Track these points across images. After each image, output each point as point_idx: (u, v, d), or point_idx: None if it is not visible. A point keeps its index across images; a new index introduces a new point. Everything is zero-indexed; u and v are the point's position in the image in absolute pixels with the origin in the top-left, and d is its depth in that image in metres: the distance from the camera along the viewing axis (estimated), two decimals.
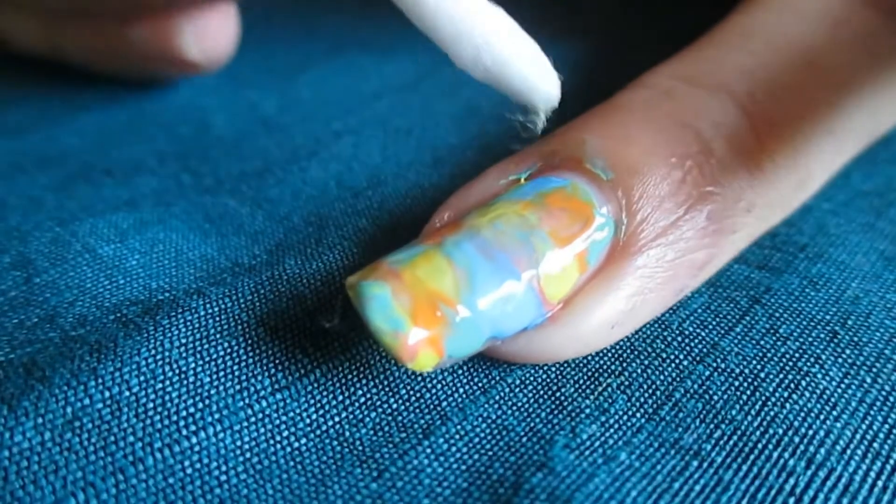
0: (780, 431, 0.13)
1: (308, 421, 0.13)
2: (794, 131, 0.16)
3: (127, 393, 0.13)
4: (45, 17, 0.23)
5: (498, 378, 0.14)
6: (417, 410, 0.14)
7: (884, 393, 0.14)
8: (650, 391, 0.14)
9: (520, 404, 0.14)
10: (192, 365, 0.14)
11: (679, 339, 0.15)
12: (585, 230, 0.13)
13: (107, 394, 0.13)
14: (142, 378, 0.13)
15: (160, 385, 0.13)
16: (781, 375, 0.14)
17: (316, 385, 0.14)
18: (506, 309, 0.13)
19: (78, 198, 0.19)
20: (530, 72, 0.14)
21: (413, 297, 0.12)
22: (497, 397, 0.14)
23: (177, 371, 0.13)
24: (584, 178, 0.14)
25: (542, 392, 0.14)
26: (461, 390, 0.14)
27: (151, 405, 0.13)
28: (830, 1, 0.17)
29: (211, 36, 0.22)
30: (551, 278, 0.13)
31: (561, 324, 0.14)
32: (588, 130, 0.15)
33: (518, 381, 0.14)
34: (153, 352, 0.14)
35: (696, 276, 0.15)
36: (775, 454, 0.13)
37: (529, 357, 0.14)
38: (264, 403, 0.13)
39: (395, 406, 0.14)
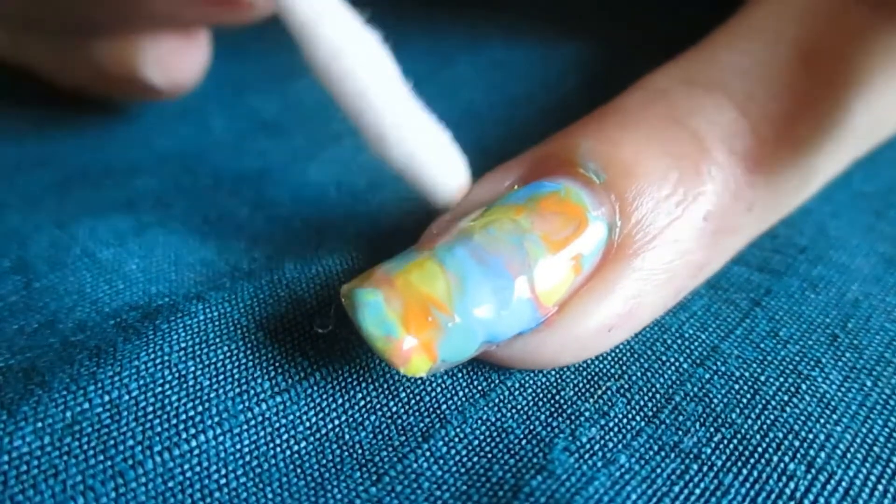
0: (781, 435, 0.13)
1: (308, 424, 0.13)
2: (793, 129, 0.16)
3: (126, 397, 0.13)
4: (7, 30, 0.22)
5: (497, 381, 0.14)
6: (417, 413, 0.14)
7: (884, 396, 0.14)
8: (650, 394, 0.14)
9: (519, 407, 0.14)
10: (192, 369, 0.14)
11: (679, 341, 0.15)
12: (579, 233, 0.13)
13: (106, 398, 0.13)
14: (141, 382, 0.13)
15: (160, 389, 0.13)
16: (782, 379, 0.14)
17: (316, 388, 0.14)
18: (500, 313, 0.13)
19: (77, 199, 0.19)
20: (434, 177, 0.14)
21: (405, 303, 0.12)
22: (496, 400, 0.14)
23: (176, 375, 0.13)
24: (577, 182, 0.14)
25: (541, 395, 0.14)
26: (461, 393, 0.14)
27: (151, 409, 0.13)
28: (828, 1, 0.17)
29: (176, 61, 0.20)
30: (545, 282, 0.13)
31: (557, 328, 0.13)
32: (582, 134, 0.15)
33: (517, 384, 0.14)
34: (153, 356, 0.14)
35: (695, 277, 0.15)
36: (775, 458, 0.13)
37: (527, 362, 0.14)
38: (264, 406, 0.13)
39: (394, 409, 0.14)
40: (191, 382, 0.13)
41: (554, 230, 0.13)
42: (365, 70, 0.13)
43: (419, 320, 0.12)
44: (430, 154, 0.14)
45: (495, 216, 0.14)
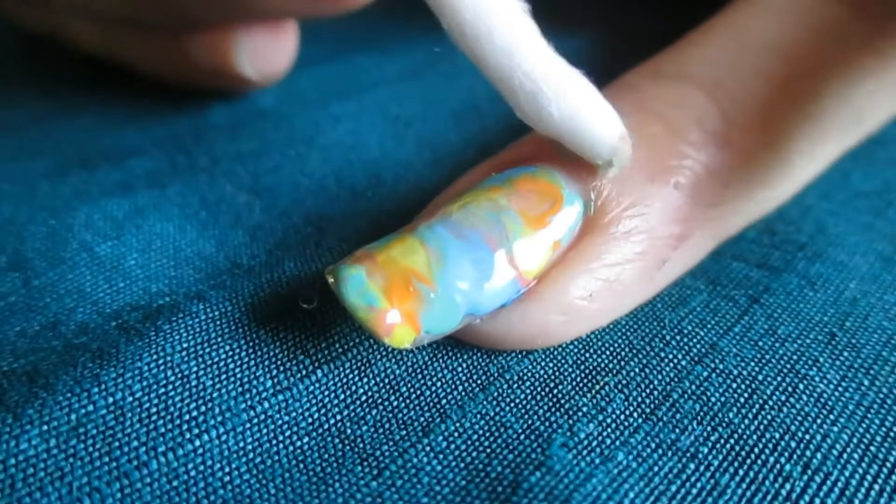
0: (777, 436, 0.13)
1: (310, 420, 0.13)
2: (763, 111, 0.16)
3: (130, 398, 0.13)
4: (102, 24, 0.22)
5: (496, 375, 0.14)
6: (417, 408, 0.14)
7: (881, 396, 0.14)
8: (648, 390, 0.14)
9: (518, 401, 0.14)
10: (195, 368, 0.14)
11: (678, 338, 0.15)
12: (555, 210, 0.14)
13: (110, 400, 0.13)
14: (144, 383, 0.13)
15: (163, 389, 0.13)
16: (779, 378, 0.14)
17: (317, 384, 0.14)
18: (481, 285, 0.13)
19: (71, 183, 0.19)
20: (595, 128, 0.14)
21: (387, 276, 0.13)
22: (495, 394, 0.14)
23: (179, 375, 0.13)
24: (551, 164, 0.15)
25: (539, 389, 0.14)
26: (460, 388, 0.14)
27: (154, 410, 0.13)
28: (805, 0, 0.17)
29: (267, 53, 0.21)
30: (524, 255, 0.14)
31: (538, 296, 0.14)
32: None
33: (516, 377, 0.14)
34: (155, 357, 0.14)
35: (676, 248, 0.15)
36: (772, 459, 0.13)
37: (513, 335, 0.14)
38: (266, 405, 0.13)
39: (395, 403, 0.14)
40: (193, 383, 0.13)
41: (531, 206, 0.14)
42: (510, 28, 0.13)
43: (401, 291, 0.13)
44: (588, 107, 0.13)
45: (473, 197, 0.14)
